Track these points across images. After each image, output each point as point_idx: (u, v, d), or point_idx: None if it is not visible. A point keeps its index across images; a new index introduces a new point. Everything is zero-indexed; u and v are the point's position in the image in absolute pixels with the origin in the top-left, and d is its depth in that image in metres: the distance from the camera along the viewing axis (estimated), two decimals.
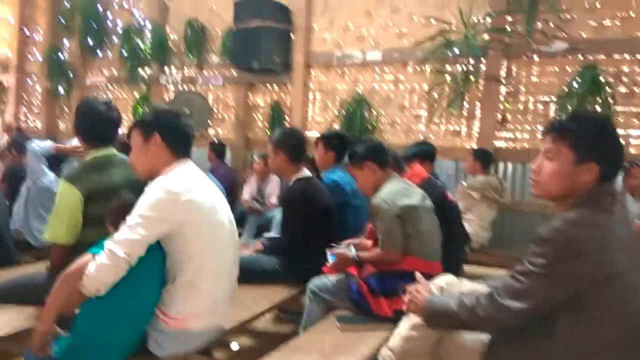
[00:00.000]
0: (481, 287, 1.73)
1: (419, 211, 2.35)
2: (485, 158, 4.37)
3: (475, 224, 4.22)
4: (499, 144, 4.72)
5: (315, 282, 2.41)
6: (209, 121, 6.12)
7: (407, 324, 1.76)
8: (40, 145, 3.24)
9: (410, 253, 2.30)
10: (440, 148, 4.81)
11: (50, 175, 3.30)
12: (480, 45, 4.54)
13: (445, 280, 1.77)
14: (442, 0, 4.91)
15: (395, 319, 1.95)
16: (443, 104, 4.82)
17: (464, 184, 4.36)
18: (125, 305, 1.68)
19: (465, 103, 4.81)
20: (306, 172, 2.82)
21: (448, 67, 4.82)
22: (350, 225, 3.11)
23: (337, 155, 3.26)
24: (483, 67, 4.69)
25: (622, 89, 4.29)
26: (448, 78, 4.78)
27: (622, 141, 1.42)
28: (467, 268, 3.57)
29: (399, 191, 2.37)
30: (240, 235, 4.57)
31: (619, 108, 4.27)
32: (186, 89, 6.42)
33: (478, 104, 4.82)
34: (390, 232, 2.26)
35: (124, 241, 1.60)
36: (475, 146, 4.70)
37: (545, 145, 1.44)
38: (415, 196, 2.39)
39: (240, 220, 4.86)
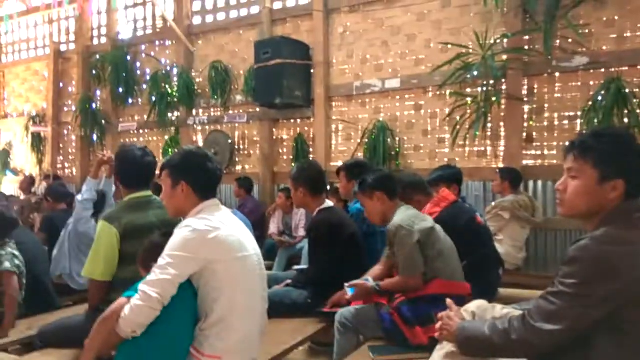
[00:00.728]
0: (514, 311, 1.70)
1: (436, 233, 2.35)
2: (513, 177, 4.32)
3: (507, 244, 4.14)
4: (526, 162, 4.65)
5: (344, 314, 2.40)
6: (231, 158, 6.28)
7: (441, 352, 1.73)
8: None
9: (437, 276, 2.28)
10: (466, 170, 4.80)
11: (92, 222, 3.41)
12: (498, 66, 4.55)
13: (476, 305, 1.74)
14: (458, 24, 4.97)
15: (430, 346, 1.92)
16: (466, 126, 4.81)
17: (493, 204, 4.30)
18: (161, 345, 1.72)
19: (489, 124, 4.79)
20: (329, 203, 2.85)
21: (468, 90, 4.84)
22: (379, 254, 3.11)
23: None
24: (504, 87, 4.69)
25: None
26: (469, 100, 4.78)
27: None
28: (502, 291, 3.48)
29: (413, 216, 2.38)
30: (270, 268, 4.65)
31: None
32: (212, 129, 6.62)
33: (502, 123, 4.79)
34: (411, 257, 2.26)
35: (156, 282, 1.65)
36: (502, 166, 4.65)
37: (568, 165, 1.42)
38: (428, 219, 2.40)
39: (270, 253, 4.90)
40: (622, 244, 1.27)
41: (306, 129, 6.00)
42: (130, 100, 7.41)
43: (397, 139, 5.29)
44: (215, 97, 6.47)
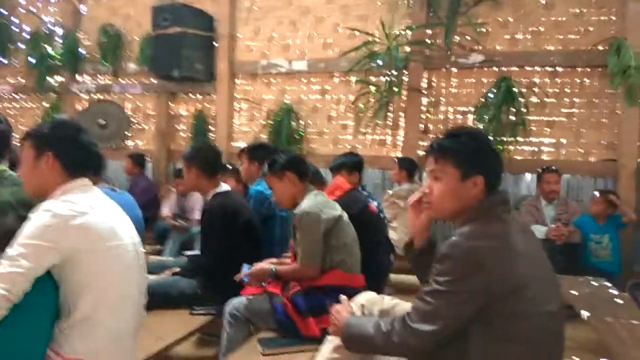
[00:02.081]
0: (403, 303, 1.69)
1: (342, 223, 2.30)
2: (410, 167, 4.45)
3: (401, 231, 4.26)
4: (422, 152, 4.81)
5: (234, 304, 2.26)
6: (126, 132, 5.78)
7: (329, 346, 1.69)
8: None
9: (336, 267, 2.23)
10: (367, 157, 4.83)
11: None
12: (402, 57, 4.62)
13: (366, 297, 1.72)
14: (366, 11, 4.97)
15: (322, 338, 1.86)
16: (369, 114, 4.86)
17: (390, 192, 4.40)
18: (11, 348, 1.45)
19: (390, 113, 4.89)
20: (224, 186, 2.67)
21: (373, 78, 4.88)
22: (276, 239, 3.01)
23: (261, 166, 3.14)
24: (405, 79, 4.79)
25: (534, 99, 4.53)
26: (373, 89, 4.83)
27: (498, 150, 1.46)
28: (393, 277, 3.58)
29: (322, 203, 2.31)
30: (160, 252, 4.36)
31: (531, 117, 4.51)
32: (100, 98, 6.04)
33: (402, 114, 4.90)
34: (313, 246, 2.18)
35: (4, 276, 1.38)
36: (400, 155, 4.77)
37: (430, 167, 1.46)
38: (337, 208, 2.34)
39: (162, 237, 4.60)
40: (487, 238, 1.29)
41: (207, 105, 5.69)
42: (4, 60, 6.51)
43: (302, 122, 5.21)
44: (105, 63, 5.88)
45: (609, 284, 3.18)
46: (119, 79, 5.98)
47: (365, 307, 1.68)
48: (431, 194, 1.46)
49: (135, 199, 4.11)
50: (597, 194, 3.96)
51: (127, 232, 1.66)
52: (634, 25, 4.16)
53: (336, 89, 5.16)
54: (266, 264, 2.35)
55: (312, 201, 2.27)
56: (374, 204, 3.05)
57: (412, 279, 3.53)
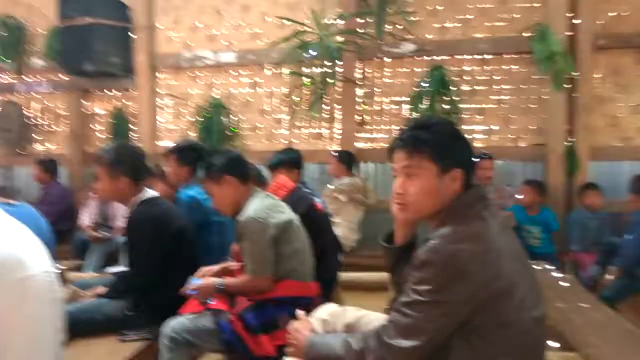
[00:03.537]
0: (369, 314, 1.53)
1: (293, 227, 2.09)
2: (349, 160, 4.34)
3: (344, 227, 4.14)
4: (359, 145, 4.71)
5: (173, 326, 1.99)
6: (33, 135, 5.19)
7: None
8: None
9: (287, 276, 2.03)
10: (304, 152, 4.64)
11: None
12: (335, 47, 4.48)
13: (327, 312, 1.53)
14: (295, 0, 4.76)
15: (278, 358, 1.65)
16: (304, 107, 4.68)
17: (331, 187, 4.26)
18: None
19: (325, 106, 4.74)
20: (150, 192, 2.34)
21: (306, 70, 4.69)
22: (214, 247, 2.75)
23: (193, 168, 2.86)
24: (339, 70, 4.65)
25: (466, 88, 4.56)
26: (307, 81, 4.64)
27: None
28: (343, 276, 3.43)
29: (270, 207, 2.08)
30: (81, 268, 3.91)
31: (463, 105, 4.54)
32: (2, 99, 5.37)
33: (338, 106, 4.77)
34: (262, 255, 1.96)
35: None
36: (338, 148, 4.64)
37: (402, 163, 1.28)
38: (286, 210, 2.12)
39: (82, 251, 4.15)
40: (471, 242, 1.15)
41: (127, 103, 5.23)
42: None
43: (234, 118, 4.92)
44: (6, 60, 5.23)
45: (551, 267, 3.24)
46: (24, 77, 5.34)
47: (328, 322, 1.49)
48: (406, 195, 1.28)
49: (49, 210, 3.65)
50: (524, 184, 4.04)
51: (36, 259, 1.35)
52: (556, 13, 4.29)
53: (268, 81, 4.92)
54: (212, 279, 2.09)
55: (258, 205, 2.04)
56: (319, 202, 2.88)
57: (361, 276, 3.41)
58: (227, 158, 2.14)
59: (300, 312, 1.50)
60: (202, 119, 4.85)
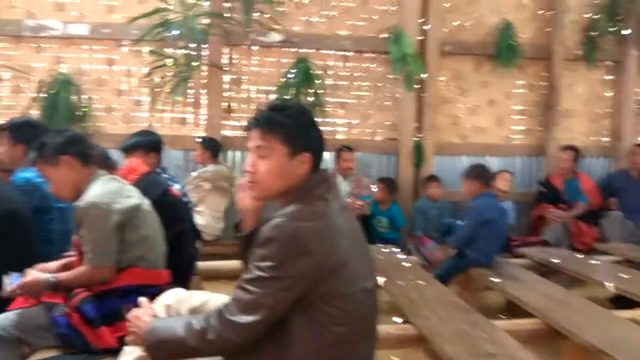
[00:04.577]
0: (216, 297, 1.53)
1: (142, 213, 1.98)
2: (214, 147, 4.26)
3: (208, 215, 4.07)
4: (226, 132, 4.65)
5: None
6: None
7: (129, 358, 1.43)
8: None
9: (134, 264, 1.92)
10: (167, 137, 4.43)
11: None
12: (200, 29, 4.34)
13: (172, 296, 1.50)
14: None
15: (120, 349, 1.57)
16: (166, 90, 4.46)
17: (194, 174, 4.14)
18: None
19: (190, 90, 4.58)
20: None
21: (168, 50, 4.47)
22: (55, 236, 2.49)
23: (29, 148, 2.56)
24: (205, 53, 4.52)
25: (329, 82, 4.76)
26: (169, 61, 4.43)
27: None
28: (202, 264, 3.37)
29: (114, 191, 1.94)
30: None
31: (328, 99, 4.73)
32: None
33: (203, 91, 4.64)
34: (104, 243, 1.83)
35: None
36: (203, 135, 4.52)
37: (255, 143, 1.32)
38: (134, 194, 2.00)
39: None
40: (312, 219, 1.23)
41: None
42: None
43: (85, 97, 4.50)
44: None
45: (396, 250, 3.55)
46: None
47: (172, 307, 1.46)
48: (256, 173, 1.31)
49: None
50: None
51: None
52: (409, 17, 4.68)
53: (125, 59, 4.58)
54: (42, 273, 1.89)
55: (100, 190, 1.89)
56: (176, 188, 2.78)
57: (220, 264, 3.38)
58: (65, 137, 1.94)
59: (142, 299, 1.44)
60: (47, 96, 4.35)
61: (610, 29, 4.98)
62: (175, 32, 4.27)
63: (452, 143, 5.00)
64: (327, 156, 4.76)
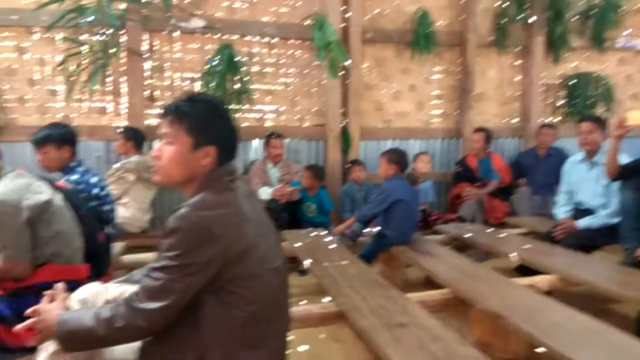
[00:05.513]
0: (133, 288, 1.55)
1: (53, 208, 1.94)
2: (136, 137, 4.15)
3: (133, 207, 3.98)
4: (149, 121, 4.53)
5: None
6: None
7: (44, 355, 1.43)
8: None
9: (50, 260, 1.89)
10: (85, 128, 4.33)
11: None
12: (117, 14, 4.17)
13: (88, 290, 1.51)
14: None
15: (36, 347, 1.55)
16: (82, 79, 4.27)
17: (117, 166, 4.02)
18: None
19: (109, 78, 4.41)
20: None
21: (85, 37, 4.28)
22: None
23: None
24: (124, 39, 4.36)
25: (255, 69, 4.75)
26: (84, 49, 4.24)
27: (235, 123, 1.45)
28: (128, 258, 3.32)
29: (23, 187, 1.89)
30: None
31: (254, 86, 4.73)
32: None
33: (123, 79, 4.48)
34: (15, 241, 1.79)
35: None
36: (125, 124, 4.38)
37: (164, 130, 1.38)
38: (45, 190, 1.95)
39: None
40: (216, 208, 1.28)
41: None
42: None
43: None
44: None
45: (324, 233, 3.67)
46: None
47: (88, 301, 1.47)
48: (160, 159, 1.36)
49: None
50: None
51: None
52: (332, 5, 4.76)
53: (37, 47, 4.33)
54: None
55: (7, 187, 1.83)
56: (93, 180, 2.71)
57: (147, 256, 3.34)
58: None
59: (51, 292, 1.43)
60: None
61: (518, 17, 5.33)
62: (89, 18, 4.08)
63: (376, 128, 5.19)
64: (256, 143, 4.80)
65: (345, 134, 4.92)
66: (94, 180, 2.79)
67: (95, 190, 2.79)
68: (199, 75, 4.57)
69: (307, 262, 2.92)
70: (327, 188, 4.66)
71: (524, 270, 3.12)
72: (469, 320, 2.43)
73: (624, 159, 3.12)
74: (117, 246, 3.30)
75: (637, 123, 2.90)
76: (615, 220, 3.14)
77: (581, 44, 5.61)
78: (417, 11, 5.05)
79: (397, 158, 3.41)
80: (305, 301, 2.72)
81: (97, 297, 1.48)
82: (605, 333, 1.88)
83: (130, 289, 1.51)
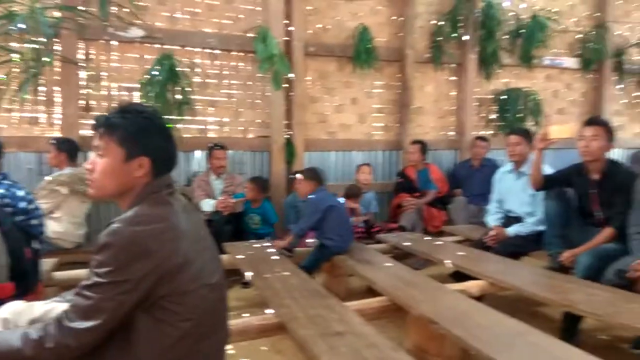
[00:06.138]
0: (60, 306, 1.49)
1: None
2: (70, 148, 3.98)
3: (66, 221, 3.81)
4: (84, 132, 4.37)
5: None
6: None
7: None
8: None
9: None
10: (15, 139, 4.13)
11: None
12: (50, 22, 4.02)
13: (10, 310, 1.44)
14: None
15: None
16: (13, 88, 4.06)
17: (49, 178, 3.84)
18: None
19: (42, 87, 4.23)
20: None
21: (14, 45, 4.08)
22: None
23: None
24: (58, 48, 4.21)
25: (197, 79, 4.71)
26: (15, 57, 4.04)
27: (171, 133, 1.43)
28: (60, 274, 3.17)
29: None
30: None
31: (197, 97, 4.68)
32: None
33: (57, 88, 4.31)
34: None
35: None
36: (58, 135, 4.21)
37: (96, 142, 1.37)
38: None
39: None
40: (151, 223, 1.26)
41: None
42: None
43: None
44: None
45: (267, 244, 3.67)
46: None
47: (9, 321, 1.40)
48: (93, 171, 1.34)
49: None
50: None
51: None
52: (275, 18, 4.81)
53: None
54: None
55: None
56: (20, 194, 2.58)
57: (82, 274, 3.20)
58: None
59: None
60: None
61: (453, 35, 5.61)
62: (20, 25, 3.91)
63: (320, 139, 5.27)
64: (199, 154, 4.74)
65: (289, 145, 4.96)
66: (20, 193, 2.66)
67: (22, 204, 2.65)
68: (137, 85, 4.47)
69: (248, 275, 2.91)
70: (272, 199, 4.67)
71: (459, 276, 3.26)
72: (406, 326, 2.51)
73: (548, 170, 3.35)
74: (49, 262, 3.16)
75: (558, 137, 3.13)
76: (542, 227, 3.35)
77: (511, 61, 5.96)
78: (358, 27, 5.20)
79: (312, 174, 3.61)
80: (247, 314, 2.71)
81: (20, 316, 1.42)
82: (528, 334, 2.00)
83: (58, 306, 1.46)
